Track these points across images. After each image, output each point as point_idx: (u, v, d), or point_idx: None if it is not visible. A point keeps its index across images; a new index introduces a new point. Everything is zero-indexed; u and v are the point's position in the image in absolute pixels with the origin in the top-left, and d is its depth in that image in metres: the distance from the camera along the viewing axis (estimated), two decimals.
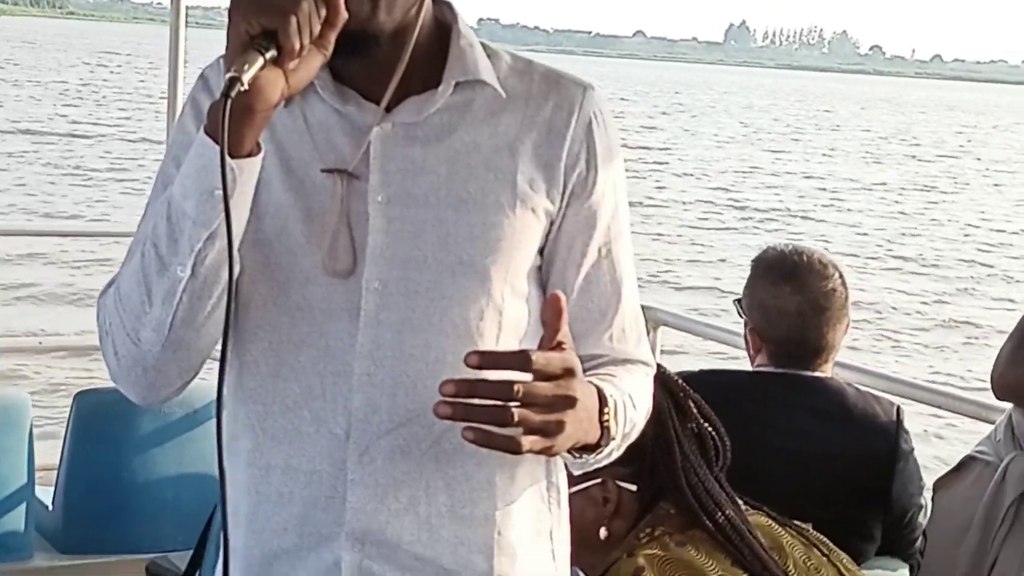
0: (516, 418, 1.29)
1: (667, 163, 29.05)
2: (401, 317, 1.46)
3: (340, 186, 1.46)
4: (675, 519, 2.01)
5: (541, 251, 1.54)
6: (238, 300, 1.51)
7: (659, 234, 18.32)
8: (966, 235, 21.14)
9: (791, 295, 2.67)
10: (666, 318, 3.86)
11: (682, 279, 15.23)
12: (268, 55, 1.29)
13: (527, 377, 1.32)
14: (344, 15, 1.35)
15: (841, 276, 2.72)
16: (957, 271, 17.49)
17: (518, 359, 1.32)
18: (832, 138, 41.96)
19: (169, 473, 3.29)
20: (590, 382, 1.42)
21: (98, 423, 3.26)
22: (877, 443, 2.65)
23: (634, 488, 2.05)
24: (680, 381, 2.08)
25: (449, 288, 1.47)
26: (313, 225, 1.47)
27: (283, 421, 1.49)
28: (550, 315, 1.36)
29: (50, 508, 3.32)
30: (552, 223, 1.53)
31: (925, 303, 15.01)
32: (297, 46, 1.31)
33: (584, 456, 1.46)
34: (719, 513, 2.00)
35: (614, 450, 1.50)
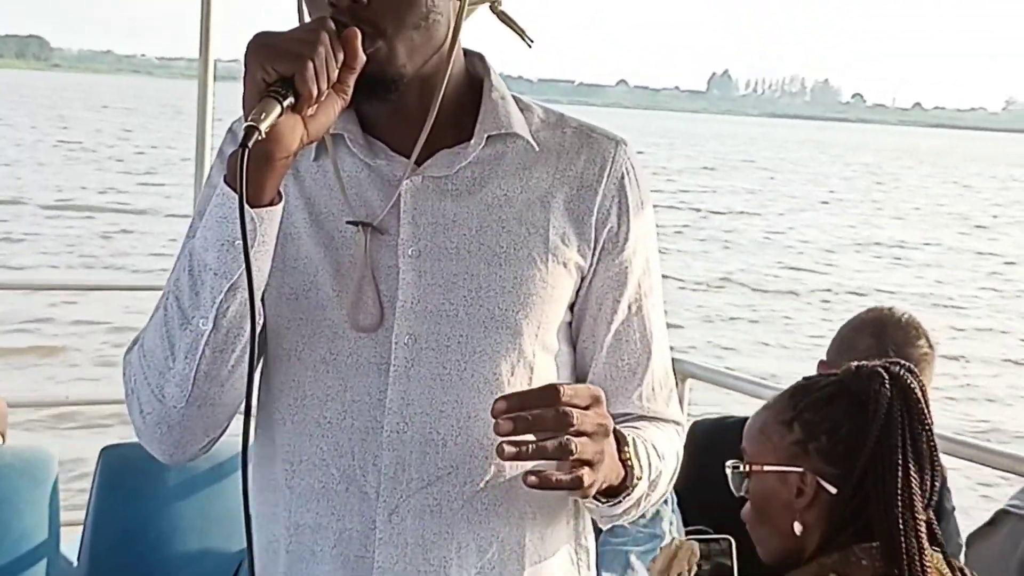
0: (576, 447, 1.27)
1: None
2: (432, 372, 1.44)
3: (364, 239, 1.45)
4: (866, 571, 1.77)
5: (571, 307, 1.52)
6: (266, 355, 1.50)
7: None
8: None
9: (867, 337, 2.68)
10: (694, 370, 3.83)
11: None
12: (286, 102, 1.27)
13: None
14: (362, 58, 1.32)
15: (929, 346, 2.69)
16: None
17: (547, 394, 1.29)
18: None
19: (195, 528, 3.25)
20: None
21: (124, 478, 3.24)
22: None
23: (835, 491, 1.84)
24: (922, 399, 1.84)
25: (480, 343, 1.45)
26: (342, 279, 1.45)
27: (311, 480, 1.47)
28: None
29: (75, 564, 3.29)
30: (583, 278, 1.51)
31: None
32: (315, 91, 1.28)
33: (610, 500, 1.43)
34: (919, 569, 1.75)
35: (643, 497, 1.46)
